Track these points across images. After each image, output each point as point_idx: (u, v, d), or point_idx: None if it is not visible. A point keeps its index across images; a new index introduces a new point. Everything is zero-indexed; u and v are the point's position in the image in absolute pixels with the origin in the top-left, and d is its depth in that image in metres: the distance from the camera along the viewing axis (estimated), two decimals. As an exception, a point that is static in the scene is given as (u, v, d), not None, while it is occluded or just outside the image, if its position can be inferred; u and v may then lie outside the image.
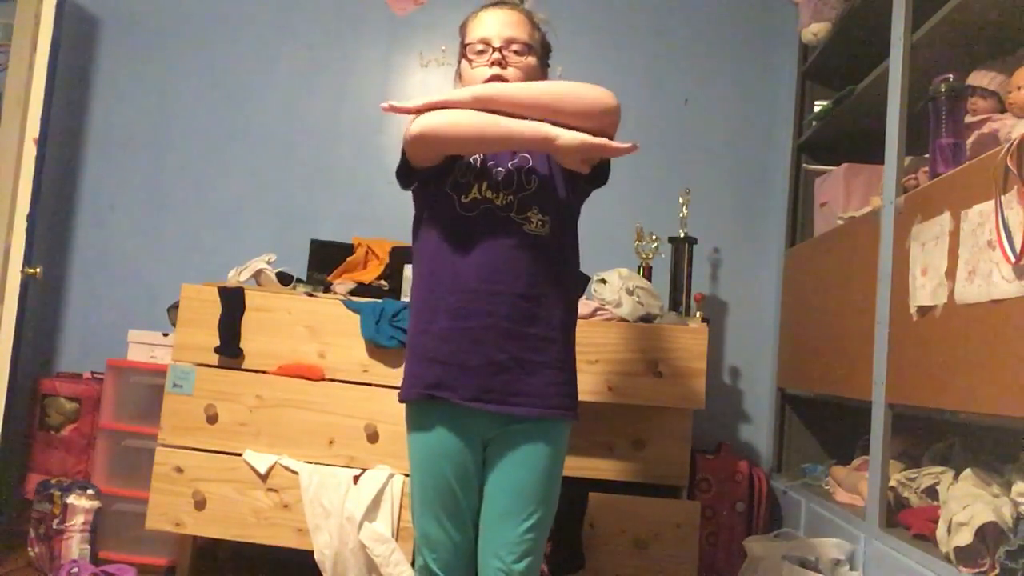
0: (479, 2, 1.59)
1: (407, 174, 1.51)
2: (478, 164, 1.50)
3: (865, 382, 1.89)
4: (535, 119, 1.39)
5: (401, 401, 1.52)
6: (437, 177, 1.50)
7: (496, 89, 1.42)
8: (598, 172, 1.50)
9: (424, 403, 1.47)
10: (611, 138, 1.41)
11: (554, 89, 1.42)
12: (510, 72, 1.48)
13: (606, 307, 2.27)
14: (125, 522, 2.44)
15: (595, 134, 1.38)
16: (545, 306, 1.45)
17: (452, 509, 1.47)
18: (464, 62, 1.53)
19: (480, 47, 1.49)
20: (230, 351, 2.28)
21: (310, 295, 2.33)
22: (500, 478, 1.45)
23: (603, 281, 2.31)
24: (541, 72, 1.56)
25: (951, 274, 1.51)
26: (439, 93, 1.43)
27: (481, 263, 1.44)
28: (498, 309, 1.42)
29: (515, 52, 1.49)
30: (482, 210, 1.46)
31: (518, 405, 1.42)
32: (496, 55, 1.47)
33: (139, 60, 3.02)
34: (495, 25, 1.50)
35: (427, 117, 1.41)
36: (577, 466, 2.18)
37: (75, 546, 2.36)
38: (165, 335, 2.56)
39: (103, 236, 2.96)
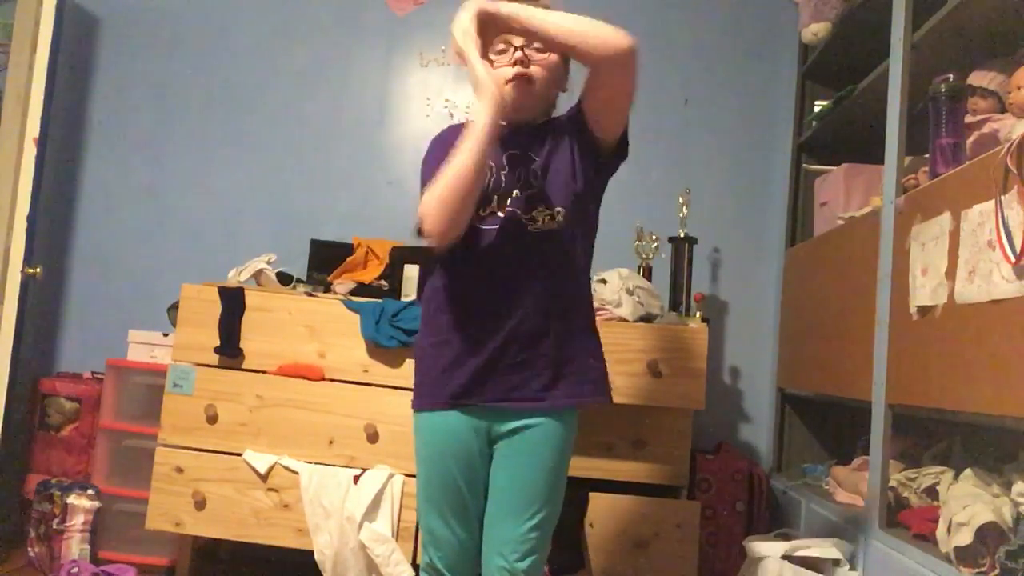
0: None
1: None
2: (494, 174, 1.49)
3: (865, 382, 1.89)
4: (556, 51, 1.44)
5: (418, 410, 1.53)
6: None
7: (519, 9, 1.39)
8: (619, 145, 1.54)
9: (450, 410, 1.48)
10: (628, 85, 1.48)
11: (578, 26, 1.40)
12: (534, 70, 1.47)
13: (606, 307, 2.27)
14: (125, 522, 2.45)
15: (611, 75, 1.46)
16: (562, 298, 1.47)
17: (458, 507, 1.47)
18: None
19: (501, 46, 1.48)
20: (230, 351, 2.28)
21: (310, 295, 2.33)
22: (506, 476, 1.46)
23: (603, 281, 2.31)
24: (563, 67, 1.55)
25: (951, 274, 1.51)
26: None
27: (492, 270, 1.45)
28: (515, 312, 1.43)
29: (537, 50, 1.48)
30: (487, 221, 1.46)
31: (535, 400, 1.44)
32: (518, 54, 1.46)
33: (139, 60, 3.02)
34: None
35: (431, 214, 1.36)
36: (577, 466, 2.16)
37: (75, 546, 2.36)
38: (165, 335, 2.56)
39: (103, 236, 2.96)
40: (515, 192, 1.47)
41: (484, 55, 1.40)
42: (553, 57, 1.50)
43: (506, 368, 1.44)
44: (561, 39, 1.40)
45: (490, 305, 1.45)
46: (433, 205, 1.36)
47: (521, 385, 1.44)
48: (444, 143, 1.50)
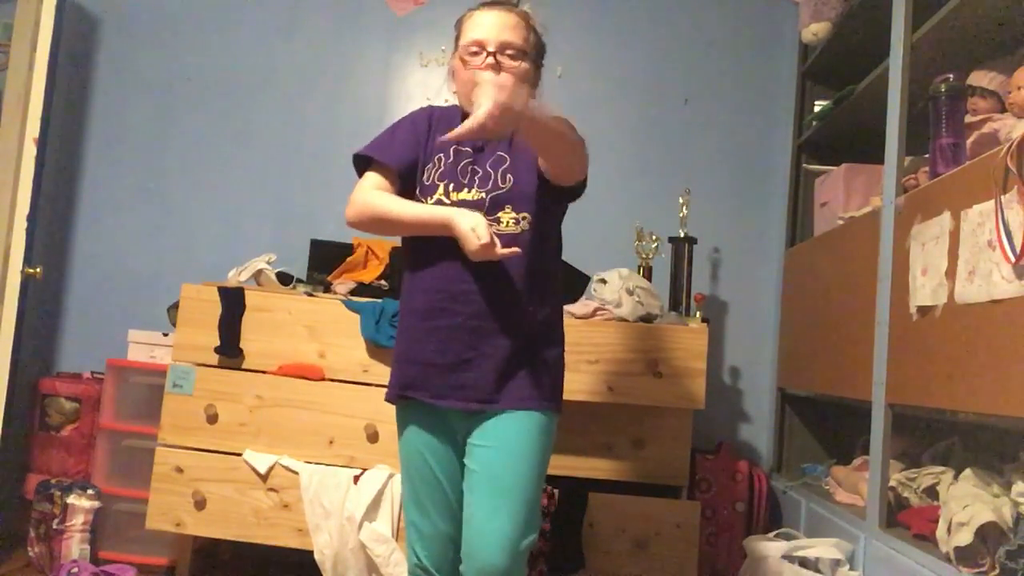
0: (479, 1, 1.58)
1: None
2: (444, 165, 1.51)
3: (865, 382, 1.89)
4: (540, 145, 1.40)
5: (386, 400, 1.57)
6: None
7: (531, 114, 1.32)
8: (571, 188, 1.51)
9: (404, 402, 1.52)
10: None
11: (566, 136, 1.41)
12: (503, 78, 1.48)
13: (606, 307, 2.27)
14: (125, 522, 2.45)
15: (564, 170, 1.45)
16: (518, 304, 1.46)
17: (440, 500, 1.48)
18: (458, 62, 1.53)
19: (474, 49, 1.49)
20: (230, 351, 2.28)
21: (310, 295, 2.33)
22: (474, 467, 1.45)
23: (603, 281, 2.31)
24: (534, 75, 1.56)
25: (951, 274, 1.51)
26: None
27: (448, 264, 1.45)
28: (465, 309, 1.44)
29: (509, 57, 1.49)
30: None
31: (485, 401, 1.44)
32: (490, 59, 1.47)
33: (139, 60, 3.02)
34: (491, 28, 1.49)
35: (354, 209, 1.50)
36: (577, 466, 2.18)
37: (75, 546, 2.36)
38: (165, 335, 2.56)
39: (103, 236, 2.96)
40: (476, 190, 1.47)
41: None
42: (524, 65, 1.51)
43: (448, 365, 1.44)
44: (555, 154, 1.42)
45: (444, 301, 1.45)
46: (367, 212, 1.48)
47: (467, 385, 1.44)
48: (415, 123, 1.56)
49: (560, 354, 1.54)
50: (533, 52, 1.54)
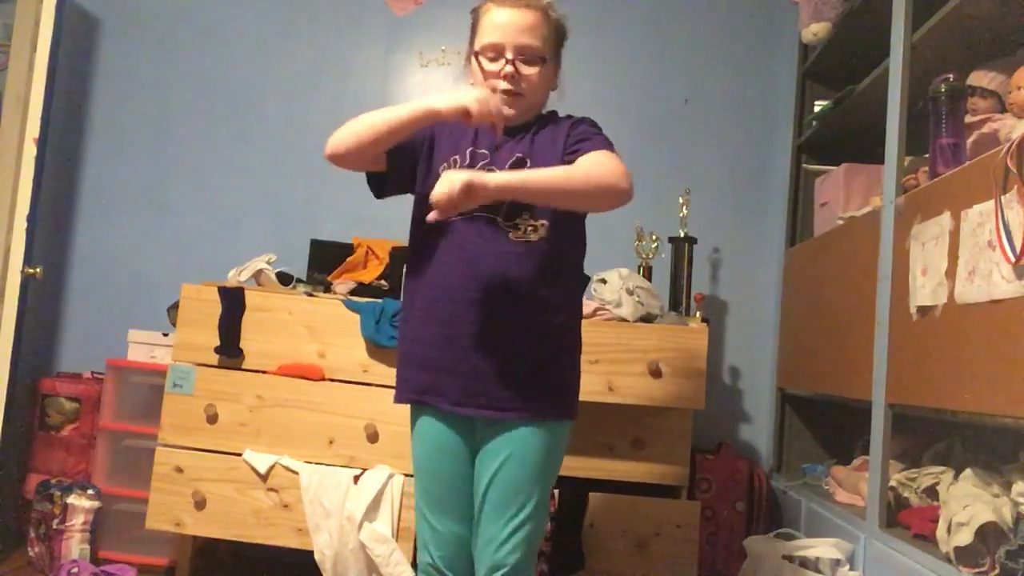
0: (479, 2, 1.57)
1: (374, 184, 1.57)
2: (459, 168, 1.48)
3: (865, 382, 1.89)
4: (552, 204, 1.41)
5: (396, 403, 1.56)
6: (411, 180, 1.53)
7: (518, 179, 1.37)
8: None
9: (419, 406, 1.51)
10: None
11: (570, 177, 1.41)
12: (523, 87, 1.48)
13: (606, 307, 2.27)
14: (125, 522, 2.45)
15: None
16: (535, 311, 1.45)
17: (453, 501, 1.48)
18: (475, 63, 1.51)
19: (491, 54, 1.48)
20: (230, 351, 2.28)
21: (310, 295, 2.33)
22: (489, 472, 1.45)
23: (603, 281, 2.31)
24: (554, 71, 1.55)
25: (951, 274, 1.51)
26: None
27: (465, 271, 1.44)
28: (482, 317, 1.42)
29: (527, 63, 1.47)
30: (465, 216, 1.43)
31: (503, 410, 1.43)
32: (509, 68, 1.46)
33: (139, 60, 3.02)
34: (508, 31, 1.46)
35: (334, 138, 1.52)
36: (577, 466, 2.18)
37: (75, 546, 2.36)
38: (165, 335, 2.56)
39: (103, 236, 2.96)
40: None
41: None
42: (544, 69, 1.50)
43: (466, 373, 1.43)
44: (561, 203, 1.42)
45: (458, 307, 1.44)
46: (343, 130, 1.52)
47: (483, 393, 1.43)
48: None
49: (576, 360, 1.54)
50: (551, 50, 1.52)
